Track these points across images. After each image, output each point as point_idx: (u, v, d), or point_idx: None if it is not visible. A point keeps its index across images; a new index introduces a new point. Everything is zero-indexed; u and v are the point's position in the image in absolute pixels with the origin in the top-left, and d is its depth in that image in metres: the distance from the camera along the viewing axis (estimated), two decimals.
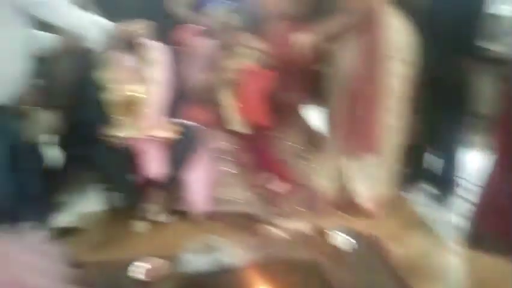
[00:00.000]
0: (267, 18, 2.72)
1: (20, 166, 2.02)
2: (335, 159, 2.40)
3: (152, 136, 2.23)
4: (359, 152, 2.28)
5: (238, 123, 2.41)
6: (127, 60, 2.28)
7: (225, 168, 2.38)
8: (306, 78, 2.50)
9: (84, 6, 2.51)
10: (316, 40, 2.17)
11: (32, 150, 2.23)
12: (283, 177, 2.44)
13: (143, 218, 2.34)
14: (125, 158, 2.21)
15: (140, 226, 2.33)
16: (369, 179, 2.38)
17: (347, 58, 2.23)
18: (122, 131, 2.20)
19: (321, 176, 2.43)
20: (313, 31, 2.18)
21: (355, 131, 2.26)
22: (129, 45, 2.27)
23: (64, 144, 2.74)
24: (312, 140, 2.60)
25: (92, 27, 2.18)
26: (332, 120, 2.38)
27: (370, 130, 2.22)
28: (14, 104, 2.06)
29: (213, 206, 2.36)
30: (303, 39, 2.14)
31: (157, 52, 2.35)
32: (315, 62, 2.34)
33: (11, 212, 2.08)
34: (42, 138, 2.36)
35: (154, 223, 2.34)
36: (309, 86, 2.52)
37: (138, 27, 2.26)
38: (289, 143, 2.52)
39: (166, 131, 2.25)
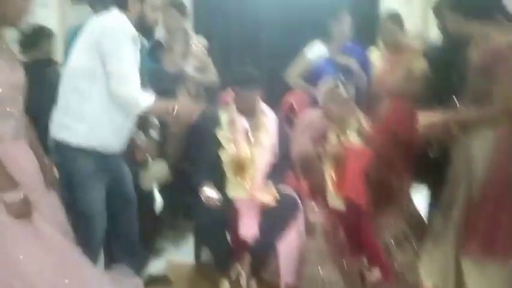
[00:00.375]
0: (380, 95, 2.71)
1: (129, 212, 2.15)
2: (446, 255, 2.06)
3: (254, 199, 2.25)
4: (483, 254, 1.86)
5: (335, 198, 2.34)
6: (241, 121, 2.38)
7: (316, 244, 2.30)
8: (416, 160, 2.37)
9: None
10: (446, 124, 1.93)
11: (143, 197, 2.39)
12: (378, 262, 2.27)
13: (229, 278, 2.32)
14: (223, 216, 2.24)
15: (225, 285, 2.31)
16: None
17: (475, 150, 1.90)
18: (229, 190, 2.27)
19: (426, 271, 2.13)
20: (443, 114, 1.95)
21: (481, 229, 1.92)
22: (244, 108, 2.38)
23: (167, 192, 2.92)
24: (417, 226, 2.41)
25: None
26: (446, 210, 2.09)
27: (501, 232, 1.90)
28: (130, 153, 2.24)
29: (297, 281, 2.26)
30: (431, 120, 1.96)
31: (268, 117, 2.42)
32: (434, 145, 2.16)
33: (108, 254, 2.21)
34: (152, 186, 2.54)
35: (237, 285, 2.30)
36: (419, 169, 2.38)
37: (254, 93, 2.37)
38: (391, 227, 2.37)
39: (267, 196, 2.25)
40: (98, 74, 1.84)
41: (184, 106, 2.03)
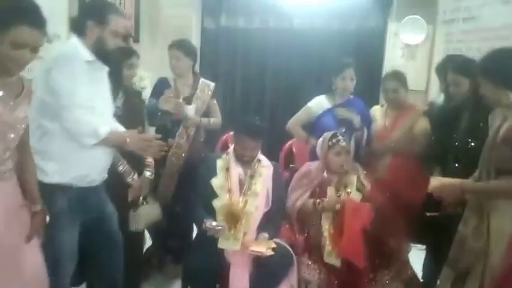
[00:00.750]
0: (380, 151, 2.69)
1: (113, 253, 2.05)
2: None
3: (247, 250, 2.17)
4: None
5: (332, 255, 2.26)
6: (237, 170, 2.35)
7: None
8: (416, 219, 2.32)
9: None
10: (461, 190, 1.84)
11: (132, 238, 2.31)
12: None
13: None
14: (214, 264, 2.16)
15: None
16: None
17: (493, 222, 1.76)
18: (221, 242, 2.19)
19: None
20: (460, 181, 1.87)
21: None
22: (244, 157, 2.35)
23: (157, 234, 2.84)
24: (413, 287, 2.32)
25: None
26: (457, 282, 1.95)
27: None
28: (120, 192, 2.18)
29: None
30: (444, 184, 1.88)
31: (265, 167, 2.39)
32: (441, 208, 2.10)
33: None
34: (143, 227, 2.46)
35: None
36: (418, 228, 2.31)
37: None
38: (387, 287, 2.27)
39: (261, 246, 2.18)
40: (56, 107, 1.75)
41: (136, 138, 1.90)
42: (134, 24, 4.15)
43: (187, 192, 2.48)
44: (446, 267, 1.92)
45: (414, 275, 2.38)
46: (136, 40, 4.08)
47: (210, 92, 2.82)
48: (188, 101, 2.73)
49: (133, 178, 2.28)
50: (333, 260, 2.25)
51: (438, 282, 2.06)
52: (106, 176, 2.00)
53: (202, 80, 2.85)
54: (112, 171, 2.08)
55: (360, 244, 2.21)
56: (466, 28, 3.46)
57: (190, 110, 2.68)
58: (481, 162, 1.81)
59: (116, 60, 2.11)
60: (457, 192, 1.83)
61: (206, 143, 2.95)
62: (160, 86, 2.77)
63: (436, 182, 1.90)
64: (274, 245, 2.20)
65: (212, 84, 2.86)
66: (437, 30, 3.84)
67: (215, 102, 2.88)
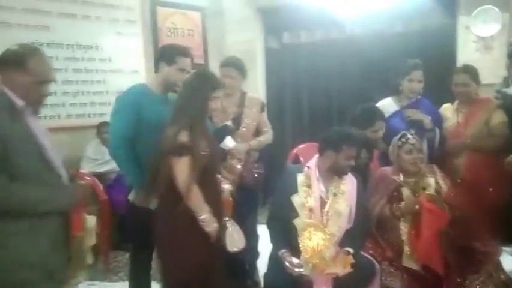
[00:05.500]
0: (455, 151, 2.57)
1: None
2: None
3: (326, 273, 2.04)
4: None
5: (411, 259, 2.20)
6: (319, 186, 2.20)
7: None
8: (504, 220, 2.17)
9: None
10: None
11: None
12: None
13: None
14: (294, 283, 2.07)
15: None
16: None
17: None
18: (298, 266, 2.05)
19: None
20: None
21: None
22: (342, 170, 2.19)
23: None
24: None
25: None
26: None
27: None
28: None
29: None
30: None
31: (348, 183, 2.22)
32: None
33: None
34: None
35: None
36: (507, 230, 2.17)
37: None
38: None
39: (337, 267, 2.04)
40: None
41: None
42: (203, 53, 4.45)
43: (243, 216, 2.44)
44: None
45: (508, 279, 2.21)
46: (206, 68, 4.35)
47: (258, 107, 2.75)
48: (236, 121, 2.65)
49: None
50: (413, 264, 2.18)
51: None
52: None
53: (248, 95, 2.76)
54: None
55: (437, 248, 2.12)
56: None
57: (229, 142, 2.50)
58: None
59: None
60: None
61: (262, 160, 2.83)
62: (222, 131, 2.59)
63: None
64: (352, 261, 2.06)
65: (260, 99, 2.83)
66: None
67: (265, 116, 2.82)
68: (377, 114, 2.54)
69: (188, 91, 2.06)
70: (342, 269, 2.03)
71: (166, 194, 1.98)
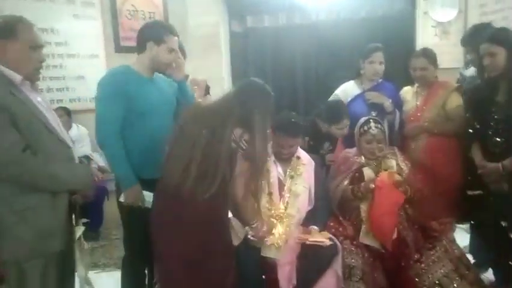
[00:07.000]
0: (416, 133, 2.63)
1: None
2: None
3: (307, 242, 2.13)
4: None
5: (368, 236, 2.26)
6: (276, 170, 2.26)
7: None
8: (458, 199, 2.26)
9: None
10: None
11: None
12: None
13: None
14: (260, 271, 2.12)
15: None
16: None
17: None
18: (264, 251, 2.11)
19: None
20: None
21: None
22: (283, 155, 2.26)
23: None
24: (462, 268, 2.25)
25: None
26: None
27: None
28: None
29: None
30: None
31: (306, 164, 2.31)
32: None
33: None
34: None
35: None
36: (461, 208, 2.26)
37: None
38: (434, 270, 2.23)
39: (319, 237, 2.13)
40: None
41: None
42: None
43: None
44: None
45: (462, 254, 2.31)
46: None
47: (202, 90, 2.65)
48: None
49: None
50: (370, 241, 2.24)
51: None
52: None
53: (190, 78, 2.58)
54: None
55: (390, 225, 2.19)
56: None
57: None
58: None
59: None
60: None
61: None
62: None
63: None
64: (329, 235, 2.17)
65: (204, 81, 2.69)
66: (469, 2, 3.70)
67: (210, 98, 2.67)
68: (343, 112, 2.61)
69: None
70: (324, 239, 2.12)
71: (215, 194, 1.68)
